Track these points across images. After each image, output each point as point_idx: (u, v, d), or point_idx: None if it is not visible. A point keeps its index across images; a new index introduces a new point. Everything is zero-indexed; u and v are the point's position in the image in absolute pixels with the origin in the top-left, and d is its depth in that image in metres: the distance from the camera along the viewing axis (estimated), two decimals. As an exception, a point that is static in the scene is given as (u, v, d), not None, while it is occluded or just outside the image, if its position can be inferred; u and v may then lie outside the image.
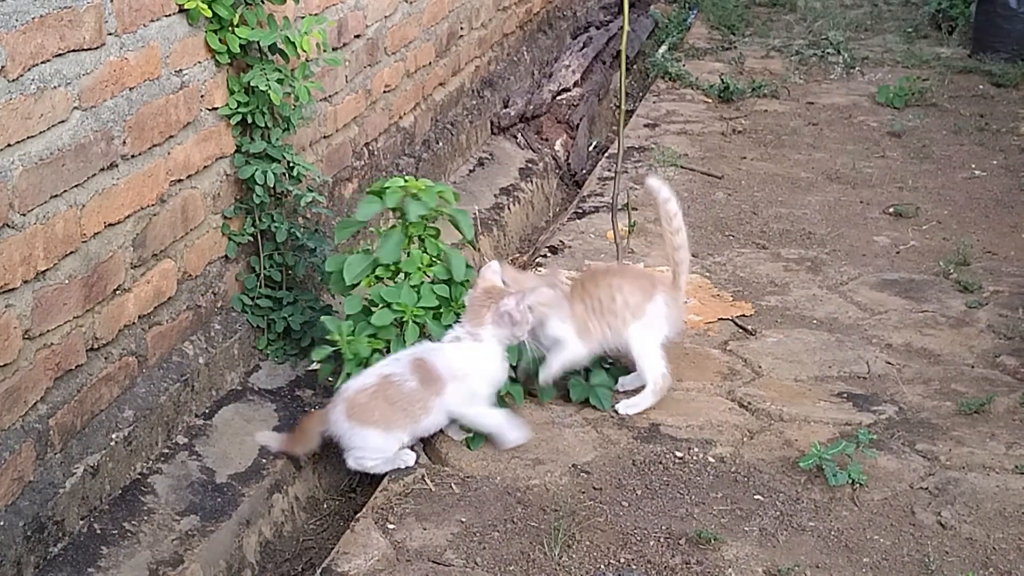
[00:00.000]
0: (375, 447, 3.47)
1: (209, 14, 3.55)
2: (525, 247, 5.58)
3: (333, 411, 3.48)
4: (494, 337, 3.52)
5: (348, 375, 3.56)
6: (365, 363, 3.58)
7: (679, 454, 3.59)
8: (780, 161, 6.19)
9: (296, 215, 4.09)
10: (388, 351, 3.59)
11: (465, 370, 3.48)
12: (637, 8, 8.74)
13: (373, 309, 3.63)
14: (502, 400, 3.67)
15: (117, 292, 3.29)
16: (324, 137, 4.49)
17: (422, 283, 3.65)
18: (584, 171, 6.47)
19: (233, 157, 3.83)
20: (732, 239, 5.24)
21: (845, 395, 3.96)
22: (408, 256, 3.69)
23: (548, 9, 7.53)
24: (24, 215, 2.87)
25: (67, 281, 3.06)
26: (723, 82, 7.12)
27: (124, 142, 3.26)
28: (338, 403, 3.48)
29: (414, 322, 3.56)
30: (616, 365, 3.97)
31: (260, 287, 3.97)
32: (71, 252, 3.07)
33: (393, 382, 3.44)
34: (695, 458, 3.58)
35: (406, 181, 3.63)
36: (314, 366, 3.78)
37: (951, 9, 8.37)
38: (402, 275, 3.69)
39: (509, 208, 5.64)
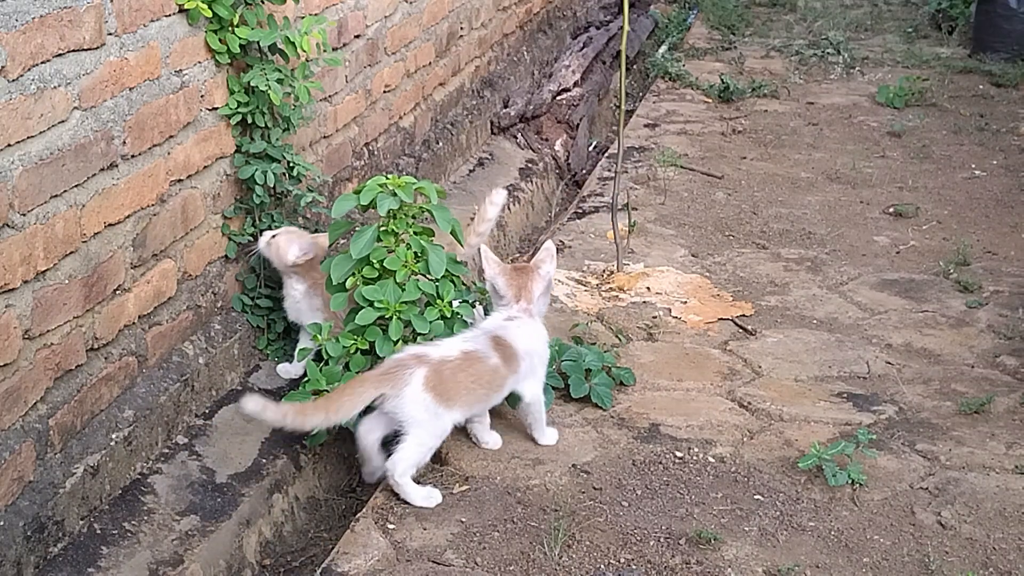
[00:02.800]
0: (442, 430, 3.35)
1: (209, 14, 3.55)
2: (525, 247, 5.58)
3: (403, 378, 3.26)
4: (541, 311, 3.55)
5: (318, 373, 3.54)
6: (346, 365, 3.58)
7: (679, 454, 3.59)
8: (780, 161, 6.19)
9: (296, 215, 4.09)
10: (373, 351, 3.57)
11: (533, 348, 3.49)
12: (637, 8, 8.74)
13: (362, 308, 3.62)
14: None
15: (117, 292, 3.29)
16: (324, 137, 4.49)
17: (409, 279, 3.62)
18: (584, 171, 6.47)
19: (233, 157, 3.83)
20: (732, 239, 5.24)
21: (845, 395, 3.96)
22: (393, 254, 3.65)
23: (548, 9, 7.53)
24: (24, 215, 2.87)
25: (67, 281, 3.06)
26: (723, 82, 7.12)
27: (124, 142, 3.26)
28: (414, 369, 3.28)
29: (398, 318, 3.55)
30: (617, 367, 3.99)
31: (260, 287, 3.97)
32: (71, 252, 3.07)
33: (478, 358, 3.37)
34: (695, 458, 3.58)
35: (387, 178, 3.61)
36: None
37: (951, 9, 8.37)
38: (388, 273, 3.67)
39: (509, 208, 5.63)
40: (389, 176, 3.61)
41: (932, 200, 5.68)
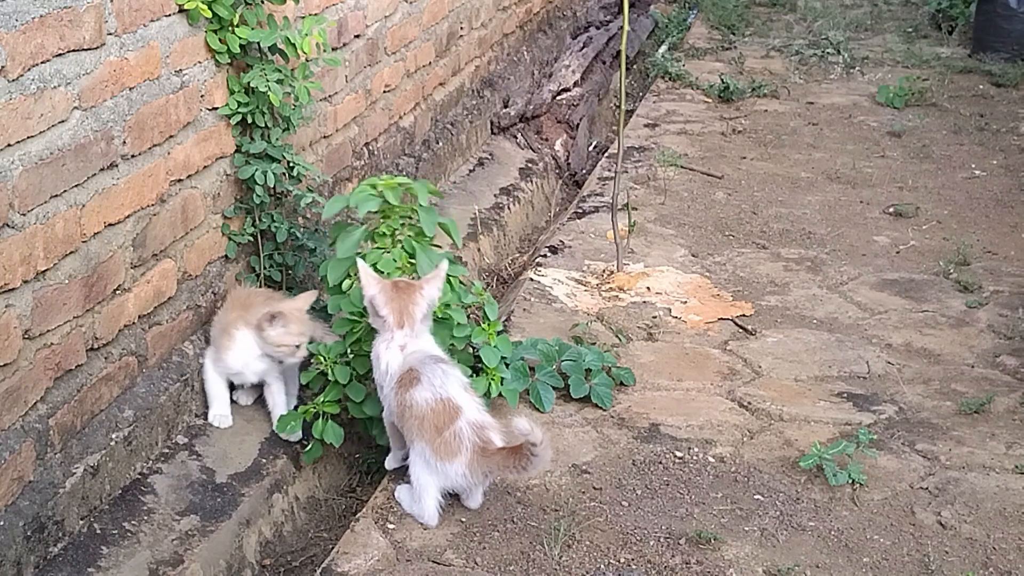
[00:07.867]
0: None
1: (209, 14, 3.55)
2: (525, 247, 5.58)
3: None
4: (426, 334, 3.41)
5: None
6: (360, 375, 3.59)
7: (679, 454, 3.59)
8: (780, 161, 6.19)
9: (296, 215, 4.09)
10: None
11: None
12: (637, 8, 8.74)
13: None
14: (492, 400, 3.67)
15: (117, 292, 3.29)
16: (324, 137, 4.49)
17: None
18: (584, 171, 6.47)
19: (233, 157, 3.83)
20: (732, 239, 5.24)
21: (845, 395, 3.96)
22: (389, 255, 3.64)
23: (548, 9, 7.53)
24: (24, 215, 2.87)
25: (67, 281, 3.06)
26: (723, 82, 7.12)
27: (124, 142, 3.26)
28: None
29: None
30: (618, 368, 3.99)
31: (260, 287, 3.97)
32: (71, 252, 3.07)
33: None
34: (695, 458, 3.58)
35: (381, 180, 3.60)
36: None
37: (951, 9, 8.36)
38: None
39: (509, 208, 5.64)
40: (384, 177, 3.61)
41: (932, 200, 5.68)
